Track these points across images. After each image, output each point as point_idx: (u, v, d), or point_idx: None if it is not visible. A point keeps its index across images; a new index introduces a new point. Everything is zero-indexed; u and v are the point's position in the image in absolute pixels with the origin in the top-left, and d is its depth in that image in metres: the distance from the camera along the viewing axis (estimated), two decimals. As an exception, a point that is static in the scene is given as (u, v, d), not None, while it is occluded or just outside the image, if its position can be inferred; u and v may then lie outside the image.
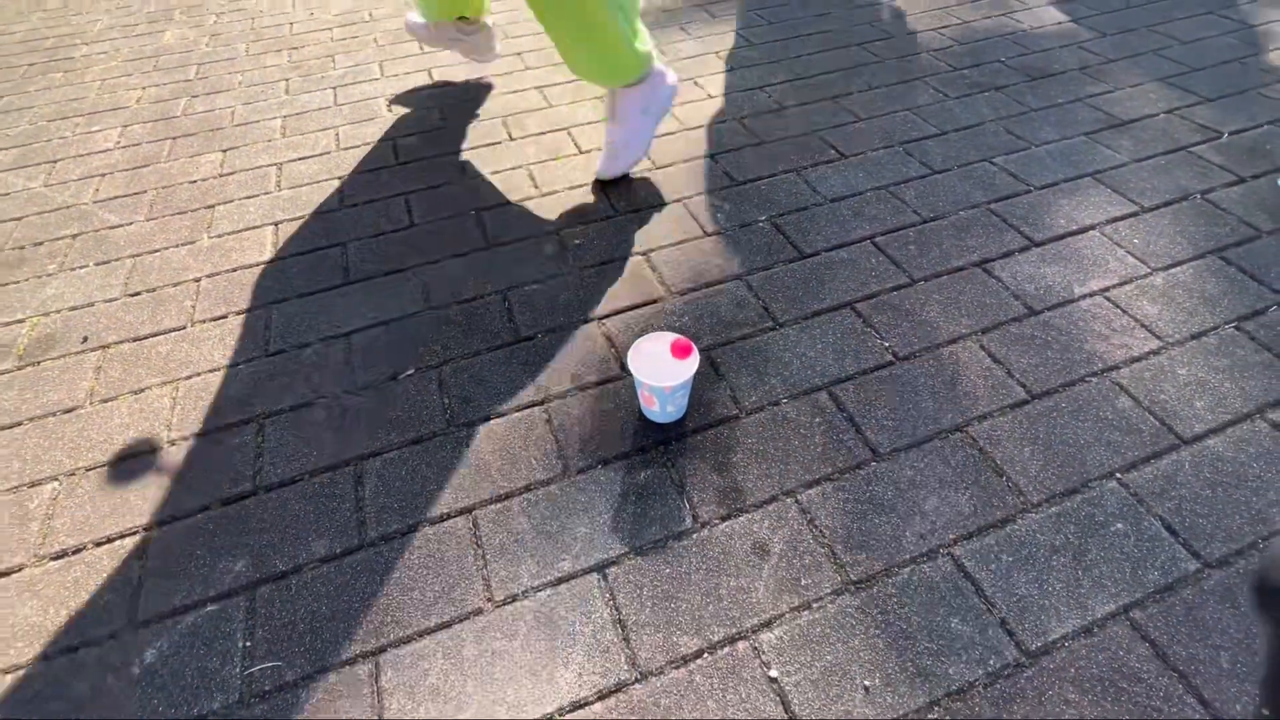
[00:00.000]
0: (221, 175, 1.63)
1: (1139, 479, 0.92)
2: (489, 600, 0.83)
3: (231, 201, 1.53)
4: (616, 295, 1.24)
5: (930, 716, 0.72)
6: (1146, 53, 1.89)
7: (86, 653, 0.80)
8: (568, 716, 0.74)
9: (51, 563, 0.89)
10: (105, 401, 1.10)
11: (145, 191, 1.59)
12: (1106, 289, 1.20)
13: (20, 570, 0.89)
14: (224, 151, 1.72)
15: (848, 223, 1.37)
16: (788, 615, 0.81)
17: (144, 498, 0.96)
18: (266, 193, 1.56)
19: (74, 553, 0.90)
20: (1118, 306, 1.16)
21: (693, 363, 0.95)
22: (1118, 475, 0.93)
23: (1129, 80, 1.77)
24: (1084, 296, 1.18)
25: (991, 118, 1.66)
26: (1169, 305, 1.16)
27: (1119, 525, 0.87)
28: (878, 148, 1.58)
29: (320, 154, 1.68)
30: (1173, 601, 0.80)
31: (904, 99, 1.76)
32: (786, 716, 0.73)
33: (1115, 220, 1.34)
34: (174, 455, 1.01)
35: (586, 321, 1.19)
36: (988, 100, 1.73)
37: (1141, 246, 1.27)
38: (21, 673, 0.79)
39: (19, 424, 1.07)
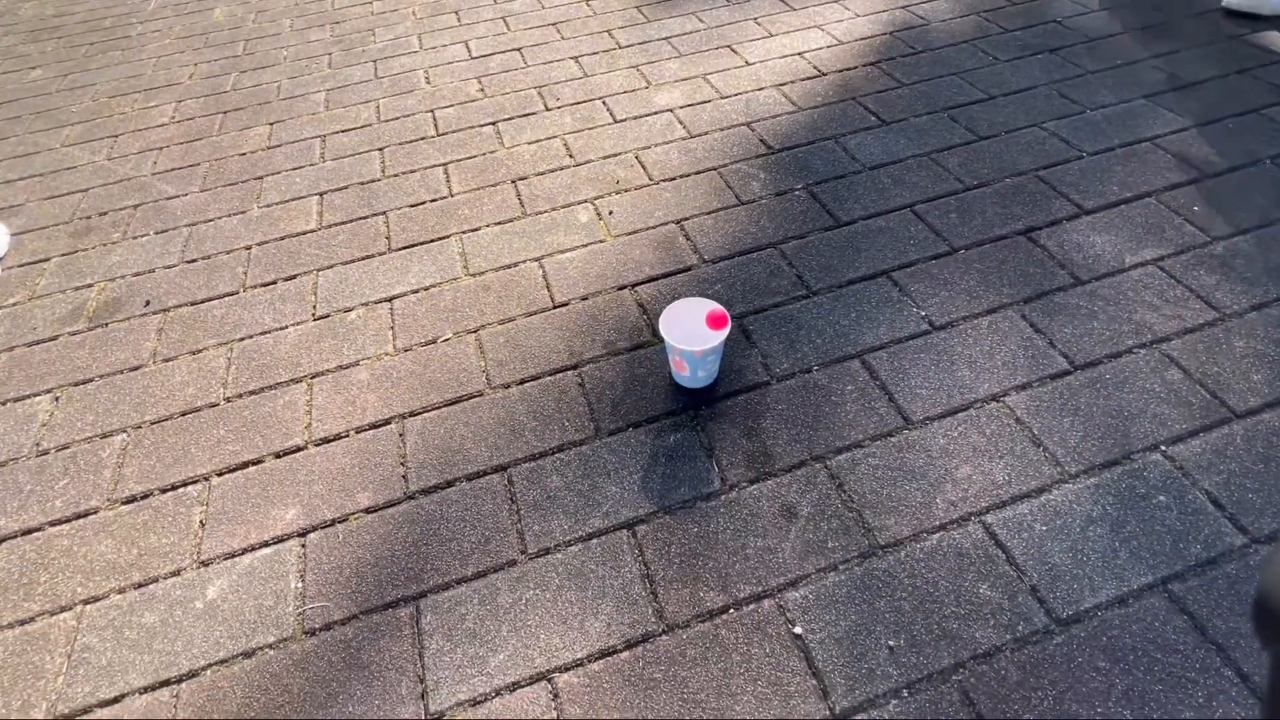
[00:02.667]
0: (269, 148, 1.68)
1: (1185, 452, 0.89)
2: (523, 552, 0.87)
3: (279, 173, 1.59)
4: (650, 263, 1.24)
5: (955, 677, 0.73)
6: (1216, 9, 1.77)
7: (155, 587, 0.87)
8: (597, 662, 0.77)
9: (123, 506, 0.96)
10: (167, 361, 1.17)
11: (199, 164, 1.65)
12: (1161, 258, 1.15)
13: (96, 512, 0.96)
14: (271, 125, 1.77)
15: (887, 190, 1.34)
16: (814, 576, 0.82)
17: (204, 449, 1.02)
18: (311, 164, 1.60)
19: (143, 498, 0.97)
20: (1172, 276, 1.11)
21: (725, 331, 0.95)
22: (1163, 448, 0.90)
23: (1199, 39, 1.66)
24: (1136, 266, 1.14)
25: (1044, 81, 1.59)
26: (1229, 275, 1.10)
27: (1161, 498, 0.85)
28: (921, 114, 1.53)
29: (362, 126, 1.72)
30: (1215, 575, 0.78)
31: (950, 63, 1.69)
32: (810, 671, 0.74)
33: (1175, 187, 1.27)
34: (230, 411, 1.07)
35: (620, 289, 1.20)
36: (1041, 63, 1.65)
37: (1202, 214, 1.21)
38: (100, 603, 0.86)
39: (90, 380, 1.15)
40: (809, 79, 1.69)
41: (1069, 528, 0.83)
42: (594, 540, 0.87)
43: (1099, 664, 0.73)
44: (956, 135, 1.46)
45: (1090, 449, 0.91)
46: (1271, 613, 0.33)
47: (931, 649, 0.75)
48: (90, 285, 1.34)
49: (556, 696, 0.74)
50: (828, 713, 0.71)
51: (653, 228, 1.32)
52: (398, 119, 1.73)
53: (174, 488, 0.98)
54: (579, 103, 1.71)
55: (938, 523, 0.85)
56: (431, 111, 1.75)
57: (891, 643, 0.76)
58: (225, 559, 0.89)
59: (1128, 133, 1.41)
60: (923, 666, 0.74)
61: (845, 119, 1.54)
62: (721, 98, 1.66)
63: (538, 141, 1.58)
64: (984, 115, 1.50)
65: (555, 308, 1.18)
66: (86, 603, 0.86)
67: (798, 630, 0.77)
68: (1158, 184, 1.28)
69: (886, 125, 1.51)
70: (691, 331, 0.98)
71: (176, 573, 0.88)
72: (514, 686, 0.75)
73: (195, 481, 0.98)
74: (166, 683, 0.79)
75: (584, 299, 1.19)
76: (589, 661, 0.77)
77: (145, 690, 0.78)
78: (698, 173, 1.44)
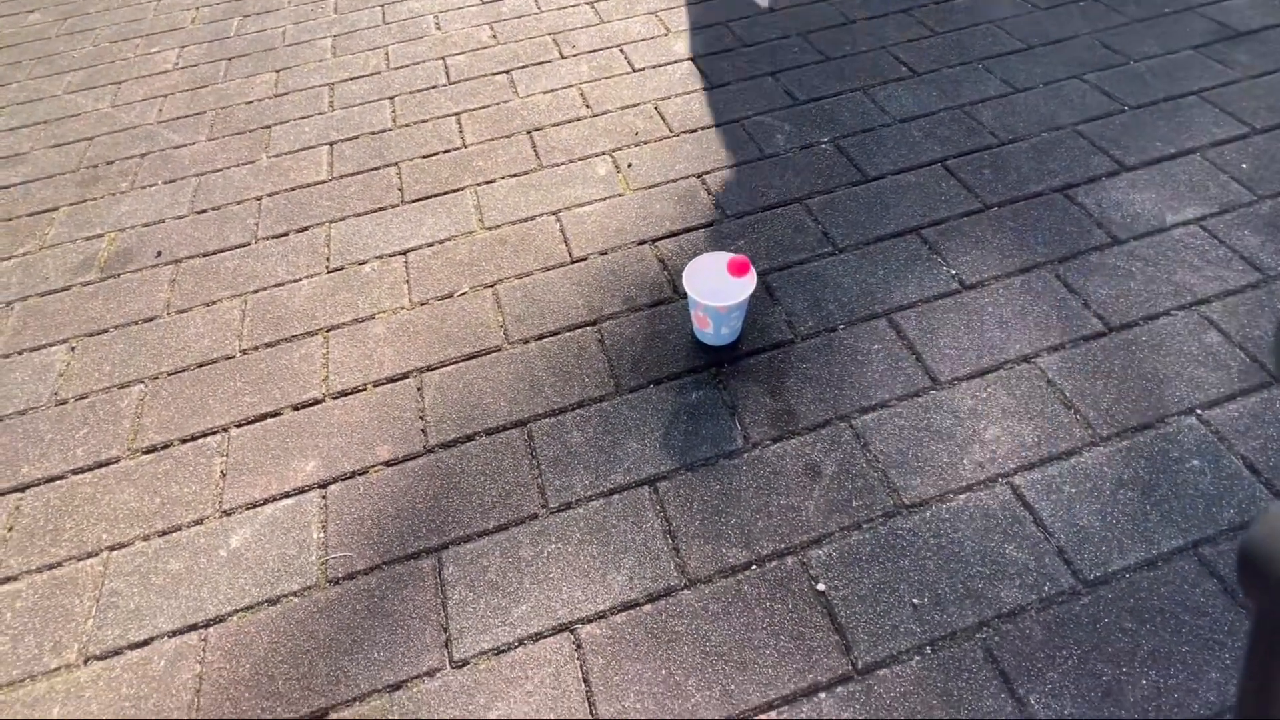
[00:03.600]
0: (276, 95, 1.63)
1: (1222, 416, 0.87)
2: (544, 507, 0.86)
3: (287, 122, 1.54)
4: (670, 218, 1.21)
5: (979, 635, 0.73)
6: (1275, -47, 1.66)
7: (180, 535, 0.88)
8: (619, 615, 0.77)
9: (144, 456, 0.96)
10: (181, 312, 1.16)
11: (205, 112, 1.61)
12: (1203, 217, 1.10)
13: (117, 462, 0.96)
14: (277, 72, 1.72)
15: (917, 145, 1.29)
16: (837, 534, 0.81)
17: (222, 401, 1.02)
18: (320, 113, 1.56)
19: (163, 448, 0.97)
20: (1214, 236, 1.07)
21: (749, 281, 0.93)
22: (1198, 412, 0.88)
23: (1251, -15, 1.57)
24: (1177, 225, 1.09)
25: (1086, 30, 1.51)
26: (1275, 236, 1.06)
27: (1195, 462, 0.83)
28: (954, 64, 1.46)
29: (371, 74, 1.66)
30: (1247, 540, 0.77)
31: (985, 11, 1.61)
32: (833, 626, 0.74)
33: (1221, 143, 1.22)
34: (246, 363, 1.06)
35: (640, 243, 1.17)
36: (1082, 11, 1.57)
37: (1250, 172, 1.16)
38: (126, 549, 0.87)
39: (105, 330, 1.14)
40: (836, 26, 1.62)
41: (1099, 490, 0.82)
42: (615, 496, 0.87)
43: (1125, 625, 0.72)
44: (991, 87, 1.39)
45: (1123, 412, 0.89)
46: (1255, 563, 0.32)
47: (955, 607, 0.75)
48: (100, 235, 1.32)
49: (580, 647, 0.75)
50: (850, 667, 0.71)
51: (673, 181, 1.28)
52: (407, 66, 1.67)
53: (193, 438, 0.98)
54: (596, 50, 1.64)
55: (964, 483, 0.84)
56: (442, 59, 1.68)
57: (915, 600, 0.75)
58: (247, 509, 0.89)
59: (1173, 85, 1.34)
60: (946, 624, 0.74)
61: (874, 69, 1.48)
62: (744, 45, 1.59)
63: (553, 91, 1.53)
64: (1021, 66, 1.44)
65: (573, 263, 1.15)
66: (113, 549, 0.87)
67: (821, 587, 0.77)
68: (1203, 140, 1.23)
69: (918, 76, 1.44)
70: (715, 287, 0.96)
71: (200, 521, 0.89)
72: (537, 637, 0.76)
73: (214, 433, 0.98)
74: (194, 627, 0.80)
75: (603, 254, 1.16)
76: (611, 614, 0.77)
77: (174, 634, 0.79)
78: (719, 124, 1.38)
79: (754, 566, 0.79)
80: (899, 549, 0.79)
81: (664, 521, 0.84)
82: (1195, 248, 1.06)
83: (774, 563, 0.79)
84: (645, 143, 1.37)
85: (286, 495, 0.90)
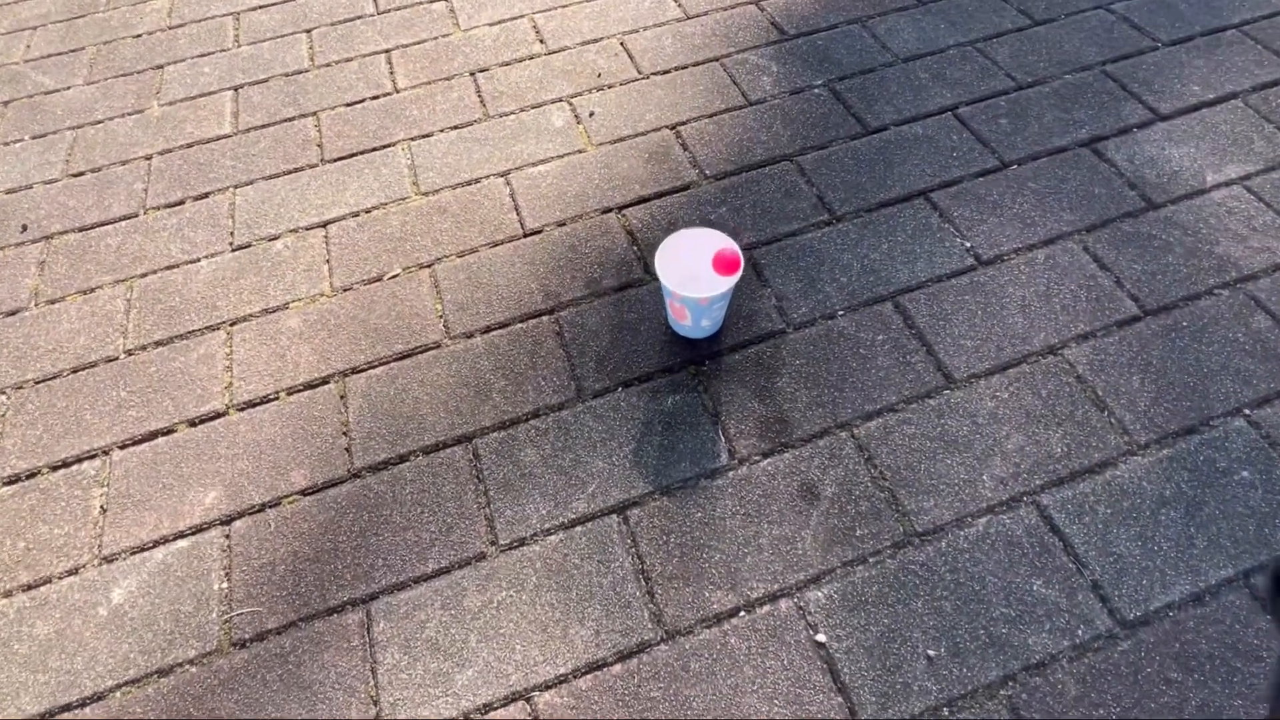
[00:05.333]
0: (170, 28, 1.37)
1: (1273, 417, 0.76)
2: (493, 544, 0.73)
3: (183, 61, 1.29)
4: (640, 179, 1.03)
5: (1004, 692, 0.62)
6: None
7: (49, 590, 0.72)
8: (584, 678, 0.65)
9: (4, 488, 0.79)
10: (52, 303, 0.96)
11: (83, 49, 1.34)
12: (1248, 176, 0.96)
13: (-28, 495, 0.79)
14: (171, -3, 1.44)
15: (924, 89, 1.11)
16: (839, 570, 0.69)
17: (102, 416, 0.84)
18: (223, 49, 1.31)
19: (28, 477, 0.80)
20: (1261, 199, 0.94)
21: (735, 276, 0.77)
22: (1246, 412, 0.76)
23: (1296, -102, 1.38)
24: (1218, 186, 0.96)
25: (1112, -50, 1.32)
26: (1329, 198, 0.93)
27: (1244, 473, 0.72)
28: (965, -9, 1.27)
29: (284, 1, 1.40)
30: (1305, 567, 0.67)
31: (1001, -75, 1.40)
32: (835, 686, 0.63)
33: (1264, 86, 1.07)
34: (132, 367, 0.88)
35: (604, 212, 1.00)
36: (1109, -74, 1.37)
37: (1298, 121, 1.02)
38: (-20, 610, 0.72)
39: (-41, 327, 0.94)
40: (830, -56, 1.39)
41: (1138, 510, 0.71)
42: (578, 528, 0.73)
43: (1170, 675, 0.62)
44: (1007, 19, 1.21)
45: (1163, 413, 0.77)
46: None
47: (977, 658, 0.64)
48: (-47, 205, 1.10)
49: (536, 719, 0.63)
50: (856, 736, 0.61)
51: (643, 134, 1.09)
52: (328, -9, 1.41)
53: (66, 464, 0.81)
54: (550, -28, 1.40)
55: (984, 504, 0.72)
56: (369, -18, 1.42)
57: (931, 651, 0.64)
58: (133, 553, 0.74)
59: (1211, 16, 1.17)
60: (967, 680, 0.63)
61: (874, -4, 1.27)
62: (724, -33, 1.36)
63: (500, 23, 1.30)
64: (1040, -7, 1.25)
65: (526, 236, 0.98)
66: (-35, 609, 0.72)
67: (820, 637, 0.66)
68: (1245, 83, 1.07)
69: (923, 5, 1.25)
70: (694, 271, 0.80)
71: (74, 571, 0.73)
72: (485, 709, 0.63)
73: (93, 456, 0.81)
74: (67, 707, 0.66)
75: (560, 225, 0.99)
76: (574, 677, 0.65)
77: (41, 718, 0.65)
78: (696, 64, 1.18)
79: (742, 613, 0.67)
80: (911, 588, 0.68)
81: (636, 559, 0.71)
82: (1239, 213, 0.93)
83: (766, 608, 0.67)
84: (609, 86, 1.16)
85: (181, 535, 0.75)
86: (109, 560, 0.74)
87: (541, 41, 1.25)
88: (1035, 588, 0.67)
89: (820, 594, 0.68)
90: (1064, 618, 0.66)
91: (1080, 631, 0.65)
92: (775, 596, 0.68)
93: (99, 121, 1.20)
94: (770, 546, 0.71)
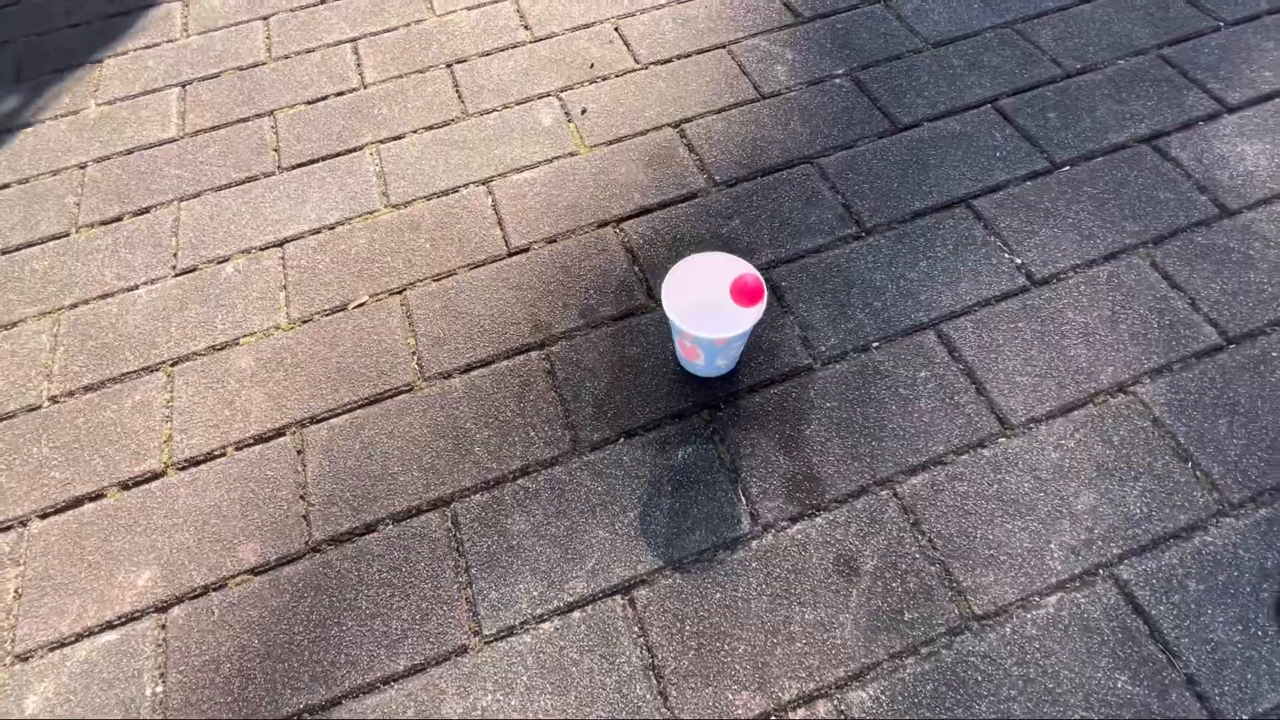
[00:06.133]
0: (110, 16, 1.23)
1: (1387, 468, 0.65)
2: (475, 634, 0.62)
3: (124, 54, 1.15)
4: (639, 187, 0.91)
5: (1090, 821, 0.52)
6: None
7: (-50, 698, 0.61)
8: (586, 806, 0.54)
9: (-98, 570, 0.68)
10: (-33, 340, 0.84)
11: (11, 41, 1.20)
12: (1334, 177, 0.85)
13: None
14: (114, -19, 1.29)
15: (959, 78, 0.98)
16: (886, 664, 0.58)
17: (19, 479, 0.72)
18: (170, 39, 1.17)
19: (-68, 555, 0.69)
20: (1350, 203, 0.82)
21: (759, 309, 0.65)
22: (1353, 461, 0.66)
23: None
24: (1301, 188, 0.84)
25: (1161, -83, 1.18)
26: None
27: (1357, 537, 0.62)
28: (998, -35, 1.13)
29: (240, -17, 1.26)
30: None
31: (1035, -109, 1.26)
32: (887, 814, 0.53)
33: (1345, 71, 0.95)
34: (56, 417, 0.76)
35: (600, 226, 0.87)
36: (1155, -109, 1.23)
37: (1387, 112, 0.90)
38: None
39: None
40: (846, -86, 1.25)
41: (1235, 585, 0.60)
42: (576, 613, 0.62)
43: (1288, 796, 0.52)
44: (1048, -4, 1.08)
45: (1257, 464, 0.66)
46: None
47: (1055, 777, 0.53)
48: None
49: None
50: None
51: (642, 133, 0.96)
52: (288, -27, 1.27)
53: (-23, 538, 0.69)
54: (535, -51, 1.26)
55: (1054, 579, 0.61)
56: (334, -38, 1.28)
57: (1000, 769, 0.54)
58: (51, 649, 0.63)
59: (1277, -8, 1.04)
60: (1044, 805, 0.53)
61: (898, -28, 1.14)
62: (729, -59, 1.23)
63: (480, 7, 1.16)
64: (1083, -33, 1.12)
65: (511, 255, 0.86)
66: None
67: (867, 751, 0.55)
68: (1322, 67, 0.95)
69: (953, -19, 1.11)
70: (706, 300, 0.68)
71: (-19, 672, 0.62)
72: None
73: (7, 528, 0.70)
74: None
75: (550, 241, 0.86)
76: (574, 804, 0.54)
77: None
78: (700, 51, 1.05)
79: (773, 719, 0.57)
80: (973, 685, 0.57)
81: (645, 652, 0.60)
82: (1327, 220, 0.81)
83: (801, 712, 0.57)
84: (604, 78, 1.03)
85: (109, 626, 0.64)
86: (23, 659, 0.62)
87: (527, 28, 1.12)
88: (1120, 685, 0.57)
89: (865, 694, 0.57)
90: (1157, 723, 0.55)
91: (1177, 741, 0.54)
92: (811, 698, 0.57)
93: (28, 125, 1.06)
94: (803, 635, 0.60)
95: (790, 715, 0.57)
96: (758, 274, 0.66)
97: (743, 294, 0.64)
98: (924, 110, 0.95)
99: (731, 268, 0.68)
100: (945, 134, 0.93)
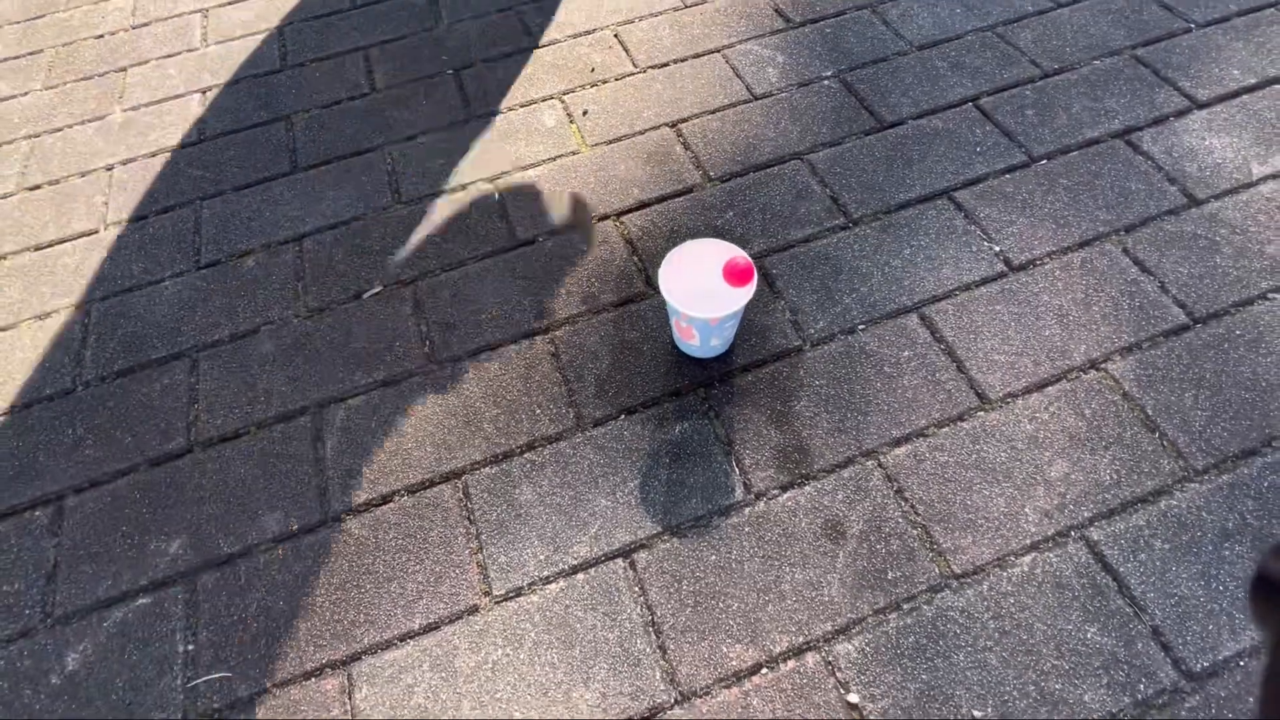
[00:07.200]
0: (134, 27, 1.28)
1: (1343, 436, 0.69)
2: (486, 595, 0.66)
3: (147, 62, 1.21)
4: (638, 182, 0.95)
5: (1060, 759, 0.56)
6: None
7: (-5, 657, 0.65)
8: (590, 749, 0.58)
9: (-53, 541, 0.72)
10: (4, 329, 0.88)
11: (41, 51, 1.26)
12: (1297, 167, 0.89)
13: (-87, 549, 0.72)
14: (136, -6, 1.36)
15: (943, 78, 1.03)
16: (871, 619, 0.62)
17: (55, 457, 0.77)
18: (190, 49, 1.23)
19: (-25, 527, 0.73)
20: (1312, 192, 0.87)
21: (749, 289, 0.70)
22: (1311, 430, 0.70)
23: None
24: (1266, 179, 0.88)
25: (1136, -75, 1.24)
26: (1386, 190, 0.86)
27: (1314, 500, 0.66)
28: (980, -28, 1.19)
29: (256, -4, 1.32)
30: (1389, 607, 0.60)
31: (1015, -99, 1.31)
32: (871, 755, 0.57)
33: (1309, 69, 0.99)
34: (89, 400, 0.81)
35: (601, 219, 0.92)
36: (1130, -100, 1.29)
37: (1348, 106, 0.94)
38: (-81, 682, 0.64)
39: (-98, 359, 0.87)
40: (835, -75, 1.31)
41: (1198, 544, 0.64)
42: (580, 575, 0.66)
43: (1246, 735, 0.56)
44: (1028, 1, 1.13)
45: (1220, 434, 0.70)
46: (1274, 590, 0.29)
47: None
48: (-100, 223, 1.02)
49: (538, 799, 0.56)
50: (897, 813, 0.54)
51: (641, 133, 1.01)
52: (302, -15, 1.33)
53: (16, 511, 0.74)
54: (538, -40, 1.32)
55: (1028, 540, 0.65)
56: (346, -26, 1.34)
57: (977, 712, 0.58)
58: (88, 613, 0.67)
59: (1246, -5, 1.10)
60: (1018, 745, 0.56)
61: (884, -20, 1.19)
62: (723, -48, 1.28)
63: (486, 16, 1.22)
64: (1061, -27, 1.17)
65: (516, 247, 0.90)
66: (-98, 680, 0.65)
67: (853, 698, 0.59)
68: (1287, 65, 1.00)
69: (937, -12, 1.17)
70: (701, 286, 0.73)
71: (24, 634, 0.66)
72: (481, 788, 0.57)
73: (46, 502, 0.74)
74: (13, 794, 0.59)
75: (554, 234, 0.91)
76: (579, 748, 0.58)
77: (-16, 807, 0.58)
78: (696, 56, 1.11)
79: (765, 670, 0.61)
80: (951, 637, 0.61)
81: (645, 610, 0.64)
82: (1290, 208, 0.85)
83: (790, 664, 0.61)
84: (604, 81, 1.09)
85: (142, 591, 0.68)
86: (62, 622, 0.67)
87: (529, 34, 1.17)
88: (1090, 635, 0.60)
89: (851, 647, 0.61)
90: (1123, 670, 0.59)
91: (1142, 686, 0.58)
92: (801, 650, 0.61)
93: (58, 129, 1.12)
94: (793, 593, 0.64)
95: (781, 666, 0.61)
96: (747, 257, 0.71)
97: (734, 275, 0.69)
98: (908, 109, 1.00)
99: (723, 252, 0.73)
100: (928, 131, 0.97)
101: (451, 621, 0.64)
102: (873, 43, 1.09)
